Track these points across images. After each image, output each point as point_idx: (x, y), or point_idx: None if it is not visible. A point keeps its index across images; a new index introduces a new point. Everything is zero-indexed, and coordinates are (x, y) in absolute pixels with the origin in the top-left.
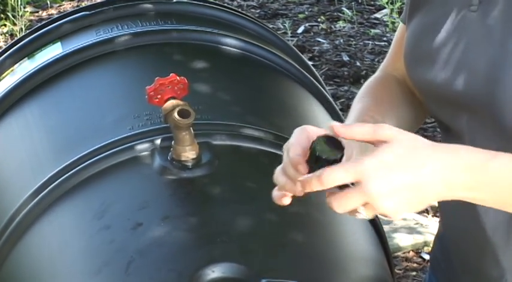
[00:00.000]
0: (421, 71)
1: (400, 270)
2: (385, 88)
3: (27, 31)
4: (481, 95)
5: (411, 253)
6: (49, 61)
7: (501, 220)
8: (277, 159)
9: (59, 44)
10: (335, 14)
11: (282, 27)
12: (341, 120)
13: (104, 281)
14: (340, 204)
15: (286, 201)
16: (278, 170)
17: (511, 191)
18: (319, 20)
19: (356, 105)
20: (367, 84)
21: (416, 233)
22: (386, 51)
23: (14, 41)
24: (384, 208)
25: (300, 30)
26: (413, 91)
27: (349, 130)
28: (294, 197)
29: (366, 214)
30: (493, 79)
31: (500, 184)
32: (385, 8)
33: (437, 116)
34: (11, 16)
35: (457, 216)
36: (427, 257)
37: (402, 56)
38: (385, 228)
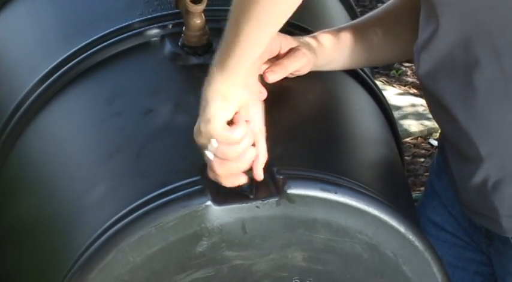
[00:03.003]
0: None
1: (408, 156)
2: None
3: None
4: None
5: (419, 139)
6: None
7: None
8: None
9: None
10: None
11: None
12: (356, 15)
13: (115, 166)
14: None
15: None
16: None
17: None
18: None
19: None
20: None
21: (425, 119)
22: None
23: None
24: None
25: None
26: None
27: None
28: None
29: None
30: None
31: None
32: None
33: None
34: None
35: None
36: (435, 143)
37: None
38: (394, 114)
